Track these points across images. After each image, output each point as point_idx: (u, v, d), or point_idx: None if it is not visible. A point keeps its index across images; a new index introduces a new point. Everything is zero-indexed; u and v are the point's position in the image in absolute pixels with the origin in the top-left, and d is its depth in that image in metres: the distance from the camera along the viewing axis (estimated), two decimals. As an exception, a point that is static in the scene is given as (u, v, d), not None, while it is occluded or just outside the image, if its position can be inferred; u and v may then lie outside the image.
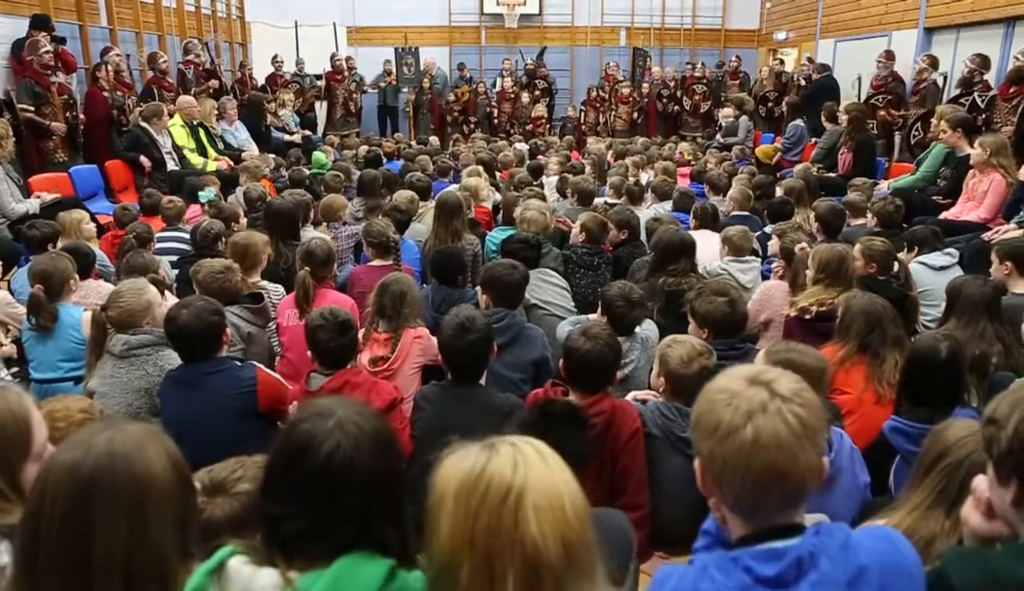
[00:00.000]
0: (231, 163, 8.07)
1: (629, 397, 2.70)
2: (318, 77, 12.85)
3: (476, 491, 1.07)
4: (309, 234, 4.57)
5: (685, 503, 2.21)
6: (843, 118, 7.87)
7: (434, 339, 3.24)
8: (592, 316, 3.37)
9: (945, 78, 8.27)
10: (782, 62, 12.37)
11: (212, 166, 7.93)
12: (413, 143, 11.48)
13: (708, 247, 4.45)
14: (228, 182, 6.94)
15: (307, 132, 10.83)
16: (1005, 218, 5.02)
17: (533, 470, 1.09)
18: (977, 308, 3.04)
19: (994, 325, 3.03)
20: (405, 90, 13.84)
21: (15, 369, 3.53)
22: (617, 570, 1.15)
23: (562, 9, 14.98)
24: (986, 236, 4.75)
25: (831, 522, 1.28)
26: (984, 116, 6.56)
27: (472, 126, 13.48)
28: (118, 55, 8.22)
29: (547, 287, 3.99)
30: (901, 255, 4.11)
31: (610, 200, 6.27)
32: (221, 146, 8.67)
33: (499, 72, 14.13)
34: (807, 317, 3.35)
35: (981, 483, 1.31)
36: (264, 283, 3.83)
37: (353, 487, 1.20)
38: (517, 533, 1.05)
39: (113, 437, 1.20)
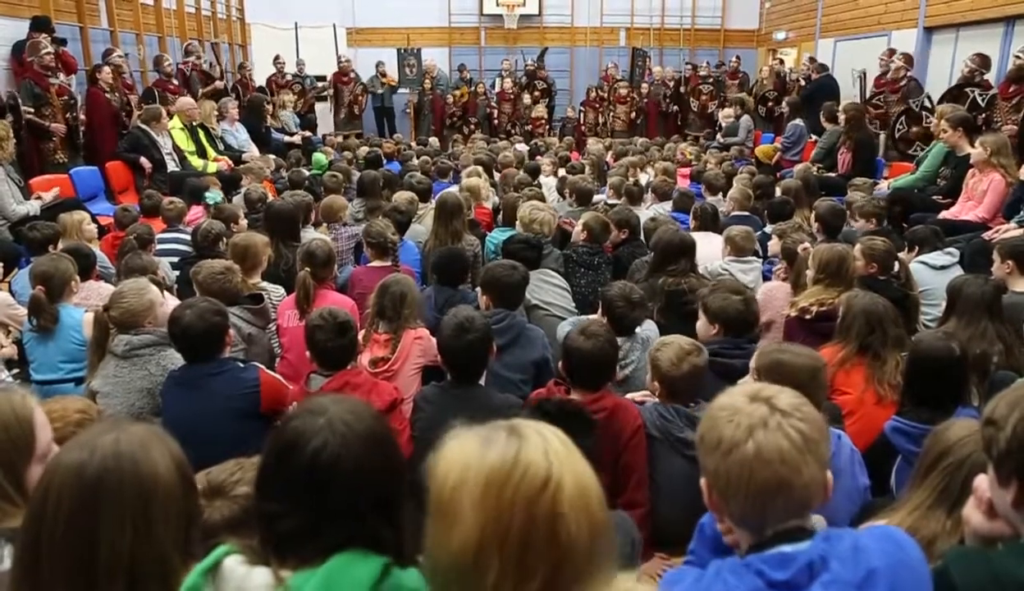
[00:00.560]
0: (231, 164, 8.08)
1: (627, 398, 2.70)
2: (319, 78, 12.86)
3: (510, 482, 1.00)
4: (309, 235, 4.57)
5: (684, 504, 2.20)
6: (842, 118, 7.87)
7: (434, 340, 3.24)
8: (592, 316, 3.37)
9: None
10: (782, 62, 12.38)
11: (212, 167, 7.94)
12: (413, 144, 11.49)
13: (708, 248, 4.45)
14: (228, 183, 6.94)
15: (307, 133, 10.84)
16: (1005, 217, 5.03)
17: (564, 458, 1.04)
18: (978, 307, 3.04)
19: (995, 324, 3.03)
20: (405, 91, 13.85)
21: (15, 371, 3.53)
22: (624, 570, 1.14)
23: (562, 10, 14.99)
24: (986, 235, 4.76)
25: (828, 524, 1.29)
26: (984, 115, 6.56)
27: (472, 127, 13.48)
28: (120, 56, 8.23)
29: (548, 288, 3.99)
30: (902, 255, 4.12)
31: (610, 200, 6.27)
32: (221, 147, 8.67)
33: (498, 73, 14.13)
34: (807, 317, 3.35)
35: (983, 483, 1.31)
36: (264, 284, 3.83)
37: (342, 485, 1.19)
38: (553, 528, 1.00)
39: (119, 438, 1.20)
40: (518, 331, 3.20)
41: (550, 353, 3.24)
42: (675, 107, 13.33)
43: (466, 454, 1.04)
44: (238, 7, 13.35)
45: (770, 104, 11.58)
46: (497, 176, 7.63)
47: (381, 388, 2.73)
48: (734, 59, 13.58)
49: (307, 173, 7.78)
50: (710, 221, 4.95)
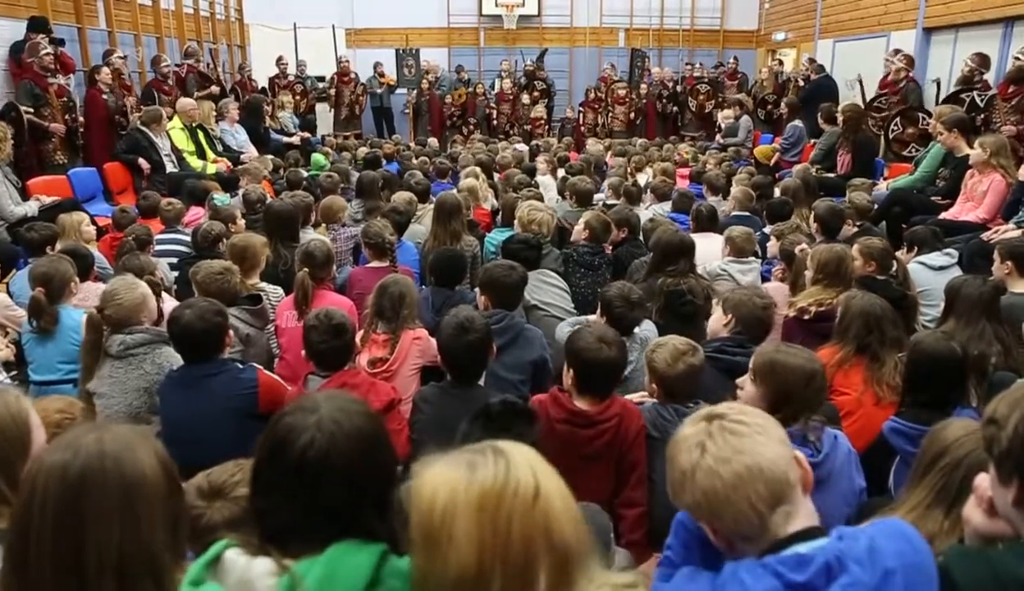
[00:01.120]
0: (230, 165, 8.08)
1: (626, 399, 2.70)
2: (319, 79, 12.87)
3: (504, 500, 1.04)
4: (308, 236, 4.57)
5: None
6: (840, 119, 7.86)
7: (433, 340, 3.24)
8: (591, 317, 3.37)
9: (938, 84, 8.25)
10: (781, 63, 12.38)
11: (211, 168, 7.94)
12: (412, 145, 11.49)
13: (707, 248, 4.45)
14: (227, 184, 6.94)
15: (306, 134, 10.84)
16: (1004, 218, 5.03)
17: (543, 468, 1.10)
18: (976, 308, 3.04)
19: (993, 325, 3.03)
20: (403, 91, 13.86)
21: (13, 373, 3.53)
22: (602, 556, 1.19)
23: (561, 10, 15.00)
24: (985, 236, 4.76)
25: (824, 525, 1.30)
26: (983, 116, 6.56)
27: (471, 128, 13.49)
28: (120, 57, 8.23)
29: (547, 288, 3.99)
30: (900, 254, 4.12)
31: (608, 201, 6.27)
32: (220, 148, 8.68)
33: (498, 73, 14.14)
34: (806, 318, 3.35)
35: (983, 481, 1.31)
36: (263, 285, 3.83)
37: (330, 481, 1.21)
38: (550, 534, 1.04)
39: (102, 437, 1.21)
40: (516, 331, 3.20)
41: (548, 353, 3.24)
42: (673, 108, 13.34)
43: (452, 479, 1.06)
44: (236, 8, 13.35)
45: (769, 106, 11.58)
46: (496, 177, 7.63)
47: (379, 388, 2.73)
48: (732, 60, 13.58)
49: (305, 174, 7.78)
50: (707, 222, 4.95)
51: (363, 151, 9.65)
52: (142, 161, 7.43)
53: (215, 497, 1.64)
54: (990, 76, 7.18)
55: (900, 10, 9.72)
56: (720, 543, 1.30)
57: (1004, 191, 5.13)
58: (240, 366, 2.78)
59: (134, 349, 2.84)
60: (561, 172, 7.72)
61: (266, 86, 12.11)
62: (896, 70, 8.10)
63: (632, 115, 13.27)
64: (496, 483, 1.05)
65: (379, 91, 13.48)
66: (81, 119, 7.37)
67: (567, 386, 2.50)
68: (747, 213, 5.62)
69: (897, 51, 8.63)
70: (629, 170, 7.96)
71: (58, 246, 4.24)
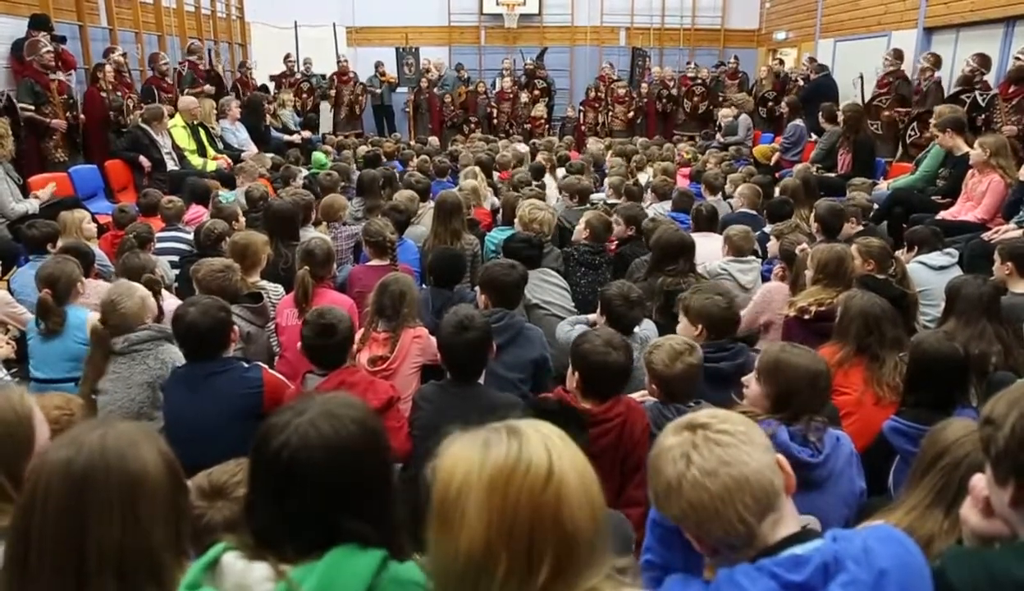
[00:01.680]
0: (230, 162, 8.08)
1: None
2: (322, 77, 12.87)
3: (514, 480, 1.03)
4: (309, 234, 4.57)
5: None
6: (841, 118, 7.86)
7: (433, 339, 3.24)
8: (592, 316, 3.37)
9: (938, 83, 8.26)
10: (782, 62, 12.37)
11: (212, 166, 7.94)
12: (412, 143, 11.49)
13: (707, 247, 4.45)
14: (227, 182, 6.94)
15: (306, 133, 10.84)
16: (1005, 218, 5.03)
17: (564, 453, 1.08)
18: (976, 308, 3.04)
19: (993, 325, 3.03)
20: (404, 90, 13.85)
21: (14, 370, 3.53)
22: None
23: (562, 9, 14.99)
24: (986, 236, 4.76)
25: (822, 527, 1.30)
26: (984, 116, 6.56)
27: (472, 126, 13.48)
28: (122, 55, 8.23)
29: (547, 287, 3.99)
30: (900, 254, 4.12)
31: (609, 200, 6.27)
32: (221, 146, 8.68)
33: (499, 72, 14.13)
34: (806, 317, 3.35)
35: (979, 482, 1.31)
36: (263, 283, 3.83)
37: (301, 485, 1.19)
38: (558, 521, 1.03)
39: (105, 434, 1.21)
40: (517, 330, 3.20)
41: (549, 352, 3.25)
42: (674, 107, 13.33)
43: (468, 458, 1.07)
44: (237, 6, 13.34)
45: (770, 104, 11.57)
46: (496, 176, 7.63)
47: (377, 386, 2.73)
48: (733, 59, 13.57)
49: (304, 172, 7.78)
50: (706, 222, 4.95)
51: (364, 149, 9.65)
52: (143, 159, 7.43)
53: (216, 497, 1.64)
54: (991, 76, 7.18)
55: (901, 10, 9.72)
56: (705, 551, 1.30)
57: (1002, 191, 5.13)
58: (245, 365, 2.78)
59: (138, 346, 2.86)
60: (561, 171, 7.72)
61: (266, 83, 12.10)
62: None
63: (632, 114, 13.26)
64: (507, 462, 1.05)
65: (379, 90, 13.47)
66: (82, 116, 7.38)
67: (571, 388, 2.50)
68: (754, 212, 5.62)
69: (898, 51, 8.64)
70: (630, 169, 7.96)
71: (59, 243, 4.24)
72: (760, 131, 11.30)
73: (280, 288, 3.86)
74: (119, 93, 7.98)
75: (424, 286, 4.06)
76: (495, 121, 13.60)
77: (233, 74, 11.73)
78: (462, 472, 1.06)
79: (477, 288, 3.58)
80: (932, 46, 9.10)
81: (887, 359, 2.78)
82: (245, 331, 3.35)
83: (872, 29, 10.48)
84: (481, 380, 2.77)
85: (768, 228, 5.03)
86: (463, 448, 1.08)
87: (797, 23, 13.24)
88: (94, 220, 5.21)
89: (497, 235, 4.89)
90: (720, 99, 12.68)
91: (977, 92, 6.78)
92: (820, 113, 8.33)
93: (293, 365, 3.30)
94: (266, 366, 2.92)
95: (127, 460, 1.19)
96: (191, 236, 4.79)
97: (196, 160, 8.01)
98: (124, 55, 8.49)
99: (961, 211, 5.39)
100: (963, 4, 8.46)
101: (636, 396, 2.75)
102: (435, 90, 13.55)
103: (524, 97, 13.69)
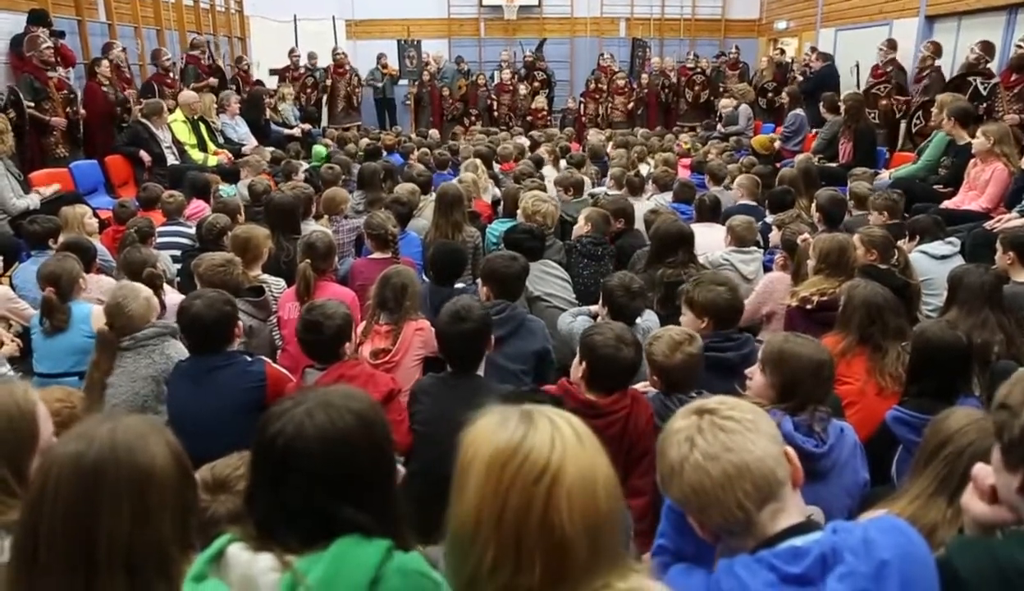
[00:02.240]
0: (231, 157, 8.07)
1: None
2: (324, 71, 12.85)
3: (510, 465, 1.03)
4: (310, 227, 4.57)
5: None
6: (843, 108, 7.84)
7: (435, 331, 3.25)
8: (594, 308, 3.37)
9: (939, 70, 8.23)
10: (783, 52, 12.33)
11: (212, 160, 7.93)
12: (413, 136, 11.47)
13: (709, 238, 4.45)
14: (227, 176, 6.93)
15: (306, 126, 10.82)
16: (1007, 207, 5.01)
17: (570, 450, 1.05)
18: (979, 297, 3.04)
19: (996, 314, 3.03)
20: (404, 82, 13.82)
21: (15, 365, 3.54)
22: None
23: (561, 0, 14.93)
24: (988, 225, 4.75)
25: (825, 518, 1.30)
26: (986, 104, 6.54)
27: (473, 119, 13.46)
28: (122, 50, 8.21)
29: (549, 279, 3.99)
30: (902, 244, 4.11)
31: (610, 191, 6.26)
32: (221, 140, 8.67)
33: (497, 64, 14.09)
34: (808, 307, 3.35)
35: (982, 471, 1.31)
36: (265, 276, 3.84)
37: (294, 473, 1.19)
38: (547, 516, 1.02)
39: (115, 428, 1.21)
40: (518, 322, 3.20)
41: (551, 344, 3.24)
42: (674, 98, 13.29)
43: (483, 431, 1.09)
44: (236, 0, 13.31)
45: (770, 95, 11.54)
46: (497, 168, 7.62)
47: (378, 379, 2.73)
48: (734, 49, 13.53)
49: (305, 165, 7.77)
50: (709, 212, 4.94)
51: (364, 142, 9.63)
52: (143, 153, 7.42)
53: (219, 490, 1.65)
54: (993, 65, 7.15)
55: (902, -3, 9.69)
56: (707, 537, 1.31)
57: (1006, 180, 5.11)
58: (248, 359, 2.78)
59: (143, 341, 2.87)
60: (563, 163, 7.71)
61: (263, 78, 12.07)
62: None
63: (632, 105, 13.23)
64: (508, 446, 1.05)
65: (380, 84, 13.44)
66: (83, 112, 7.37)
67: (576, 379, 2.50)
68: (754, 202, 5.61)
69: (892, 41, 8.61)
70: (631, 160, 7.94)
71: (61, 239, 4.24)
72: (760, 121, 11.27)
73: (282, 282, 3.86)
74: (119, 88, 7.97)
75: (425, 279, 4.05)
76: (495, 113, 13.56)
77: (232, 68, 11.71)
78: (474, 445, 1.08)
79: (479, 280, 3.57)
80: (934, 34, 9.07)
81: (889, 349, 2.78)
82: (247, 325, 3.36)
83: (874, 18, 10.44)
84: (482, 372, 2.77)
85: (769, 218, 5.03)
86: (485, 422, 1.10)
87: (798, 12, 13.19)
88: (95, 215, 5.21)
89: (498, 227, 4.88)
90: (721, 90, 12.64)
91: (979, 81, 6.75)
92: (821, 103, 8.31)
93: (295, 358, 3.30)
94: (269, 360, 2.92)
95: (137, 454, 1.19)
96: (192, 230, 4.79)
97: (197, 155, 8.00)
98: (124, 50, 8.48)
99: (964, 200, 5.38)
100: (965, -8, 8.43)
101: (639, 386, 2.75)
102: (437, 83, 13.52)
103: (523, 89, 13.65)
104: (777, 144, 9.18)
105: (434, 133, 11.41)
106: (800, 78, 10.54)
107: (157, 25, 10.18)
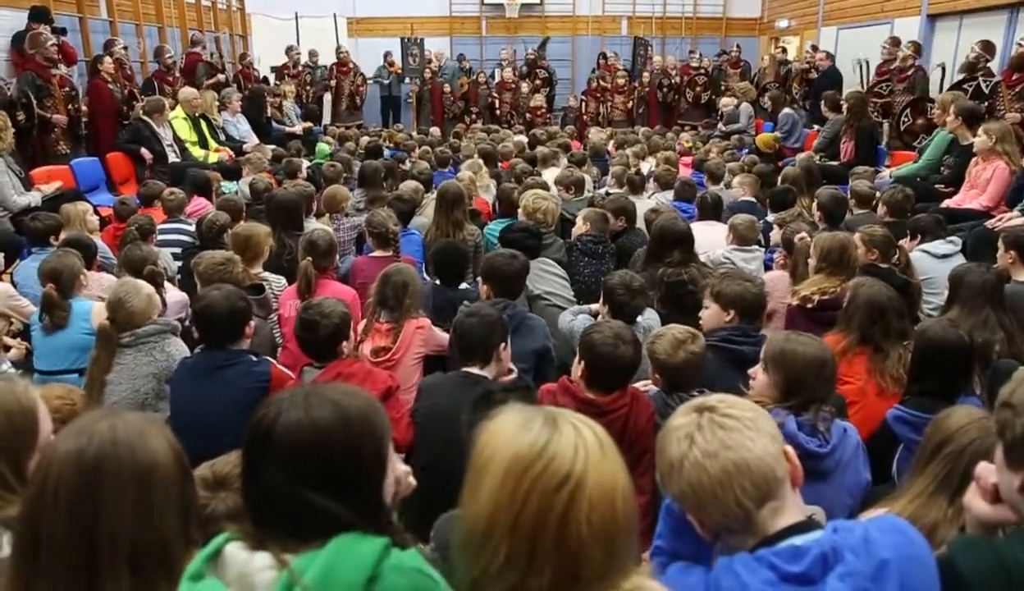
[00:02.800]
0: (232, 154, 8.07)
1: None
2: (326, 68, 12.84)
3: (531, 470, 1.02)
4: (311, 225, 4.57)
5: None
6: (844, 106, 7.83)
7: (436, 329, 3.25)
8: (594, 306, 3.37)
9: (943, 69, 8.21)
10: (784, 51, 12.31)
11: (213, 157, 7.93)
12: (414, 134, 11.46)
13: (711, 237, 4.44)
14: (228, 173, 6.93)
15: (308, 124, 10.81)
16: (1009, 205, 5.01)
17: (593, 459, 1.05)
18: (980, 296, 3.04)
19: (997, 313, 3.03)
20: (408, 81, 13.81)
21: (15, 362, 3.54)
22: None
23: (563, -2, 14.92)
24: (990, 224, 4.74)
25: (827, 517, 1.29)
26: (987, 103, 6.52)
27: (474, 117, 13.44)
28: (124, 48, 8.21)
29: (548, 278, 3.98)
30: (903, 242, 4.10)
31: (611, 190, 6.26)
32: (223, 137, 8.67)
33: (497, 62, 14.07)
34: (809, 306, 3.35)
35: (984, 470, 1.31)
36: (266, 274, 3.84)
37: (270, 461, 1.18)
38: (565, 524, 1.01)
39: (115, 424, 1.20)
40: (519, 320, 3.20)
41: (551, 343, 3.24)
42: (675, 97, 13.27)
43: (504, 432, 1.08)
44: (238, -3, 13.32)
45: (770, 93, 11.51)
46: (500, 166, 7.61)
47: (376, 377, 2.72)
48: (735, 48, 13.51)
49: (307, 163, 7.76)
50: (711, 211, 4.94)
51: (365, 140, 9.63)
52: (144, 151, 7.42)
53: (219, 487, 1.64)
54: (995, 63, 7.14)
55: (904, -4, 9.68)
56: (707, 535, 1.31)
57: (1008, 179, 5.11)
58: (254, 358, 2.78)
59: (144, 338, 2.88)
60: (564, 161, 7.69)
61: (267, 75, 12.07)
62: (903, 58, 8.03)
63: (632, 104, 13.21)
64: (531, 452, 1.04)
65: (387, 81, 13.42)
66: (84, 109, 7.36)
67: (576, 377, 2.50)
68: (755, 200, 5.61)
69: (895, 39, 8.59)
70: (632, 158, 7.93)
71: (62, 236, 4.25)
72: (762, 120, 11.26)
73: (282, 279, 3.86)
74: (121, 85, 7.97)
75: (426, 277, 4.05)
76: (497, 112, 13.55)
77: (234, 66, 11.71)
78: (494, 444, 1.07)
79: (479, 279, 3.57)
80: (935, 33, 9.06)
81: (891, 350, 2.77)
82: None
83: (876, 16, 10.42)
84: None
85: (771, 217, 5.02)
86: (505, 421, 1.09)
87: (799, 11, 13.17)
88: (96, 213, 5.21)
89: (495, 226, 4.87)
90: (722, 88, 12.62)
91: (980, 79, 6.74)
92: (823, 101, 8.29)
93: (296, 356, 3.29)
94: (274, 361, 2.93)
95: (137, 450, 1.18)
96: (193, 228, 4.79)
97: (198, 152, 8.00)
98: (125, 48, 8.47)
99: (965, 199, 5.37)
100: (966, -10, 8.42)
101: (639, 385, 2.75)
102: (438, 80, 13.51)
103: (525, 87, 13.64)
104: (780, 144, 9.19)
105: (435, 131, 11.41)
106: (802, 72, 10.52)
107: (159, 22, 10.19)
